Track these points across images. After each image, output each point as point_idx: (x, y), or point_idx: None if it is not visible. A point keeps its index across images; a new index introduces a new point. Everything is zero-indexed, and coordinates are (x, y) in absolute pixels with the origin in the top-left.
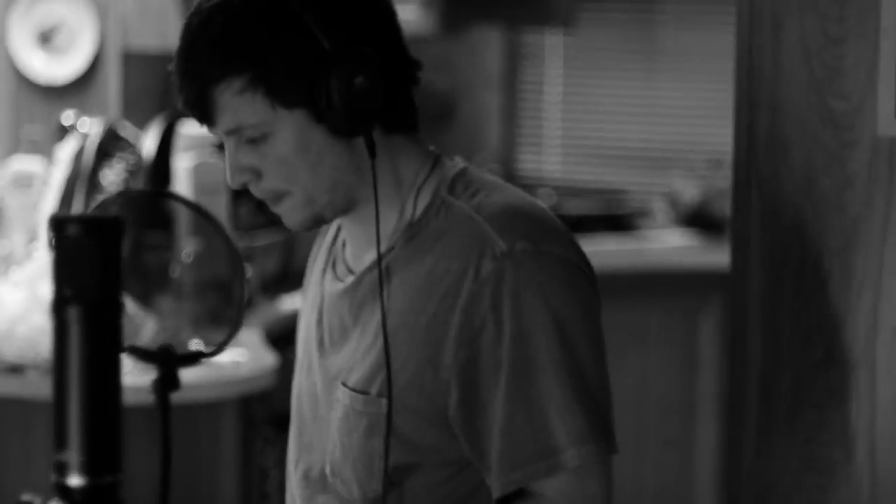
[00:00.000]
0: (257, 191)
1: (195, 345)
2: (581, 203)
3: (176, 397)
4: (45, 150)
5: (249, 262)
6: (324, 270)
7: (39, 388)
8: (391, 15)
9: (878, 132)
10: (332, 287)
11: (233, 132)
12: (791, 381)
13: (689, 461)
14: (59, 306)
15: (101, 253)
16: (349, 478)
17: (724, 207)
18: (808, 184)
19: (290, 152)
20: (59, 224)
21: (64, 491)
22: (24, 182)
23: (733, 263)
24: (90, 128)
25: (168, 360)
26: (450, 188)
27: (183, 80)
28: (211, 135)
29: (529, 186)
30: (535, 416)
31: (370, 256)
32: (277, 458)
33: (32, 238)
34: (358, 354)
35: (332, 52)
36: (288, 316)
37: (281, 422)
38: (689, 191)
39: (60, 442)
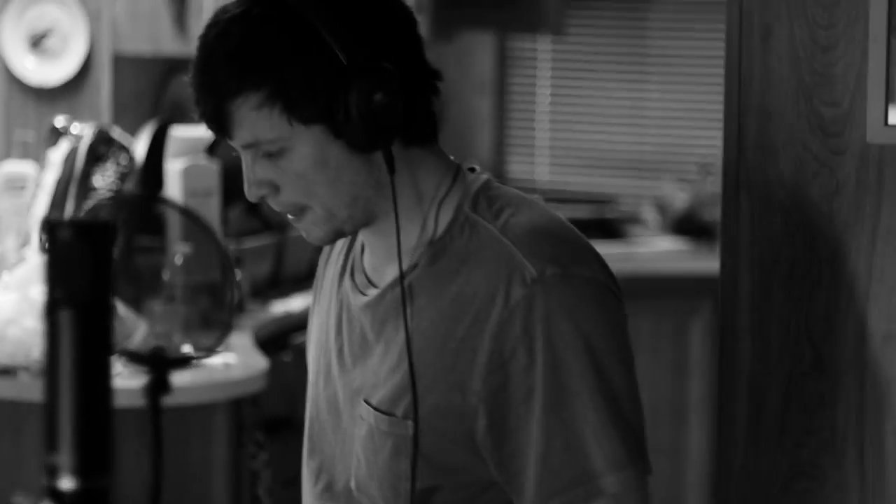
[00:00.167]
0: (276, 204)
1: (186, 348)
2: (571, 208)
3: (167, 400)
4: (37, 153)
5: (240, 266)
6: (340, 275)
7: (30, 390)
8: (411, 25)
9: (867, 139)
10: (354, 299)
11: (250, 146)
12: (780, 387)
13: (678, 466)
14: (51, 309)
15: (92, 256)
16: (375, 495)
17: (714, 213)
18: (798, 190)
19: (308, 167)
20: (51, 227)
21: (55, 494)
22: (15, 185)
23: (723, 269)
24: (82, 131)
25: (160, 364)
26: (473, 204)
27: (200, 93)
28: (204, 138)
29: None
30: (572, 442)
31: (392, 271)
32: (267, 460)
33: (24, 241)
34: (382, 372)
35: (350, 68)
36: (279, 319)
37: (271, 425)
38: (679, 197)
39: (51, 444)
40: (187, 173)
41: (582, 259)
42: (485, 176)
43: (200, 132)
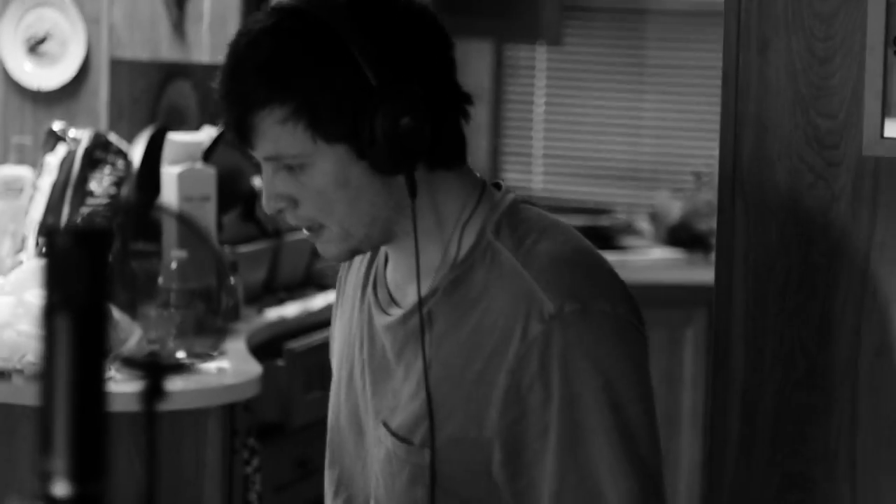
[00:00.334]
0: (293, 219)
1: (181, 354)
2: (566, 218)
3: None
4: (33, 157)
5: (235, 272)
6: (363, 285)
7: (24, 394)
8: (446, 48)
9: (863, 151)
10: (377, 317)
11: (271, 159)
12: (773, 398)
13: (671, 476)
14: (48, 313)
15: (90, 263)
16: None
17: (708, 223)
18: (793, 201)
19: (328, 185)
20: (49, 233)
21: (49, 499)
22: (12, 189)
23: (717, 279)
24: (79, 136)
25: (154, 371)
26: (496, 229)
27: (225, 102)
28: (200, 144)
29: None
30: (586, 479)
31: (414, 291)
32: (259, 466)
33: (20, 245)
34: (401, 397)
35: (379, 89)
36: (273, 325)
37: (264, 431)
38: (674, 207)
39: (46, 449)
40: (183, 178)
41: (603, 292)
42: (511, 196)
43: (197, 138)
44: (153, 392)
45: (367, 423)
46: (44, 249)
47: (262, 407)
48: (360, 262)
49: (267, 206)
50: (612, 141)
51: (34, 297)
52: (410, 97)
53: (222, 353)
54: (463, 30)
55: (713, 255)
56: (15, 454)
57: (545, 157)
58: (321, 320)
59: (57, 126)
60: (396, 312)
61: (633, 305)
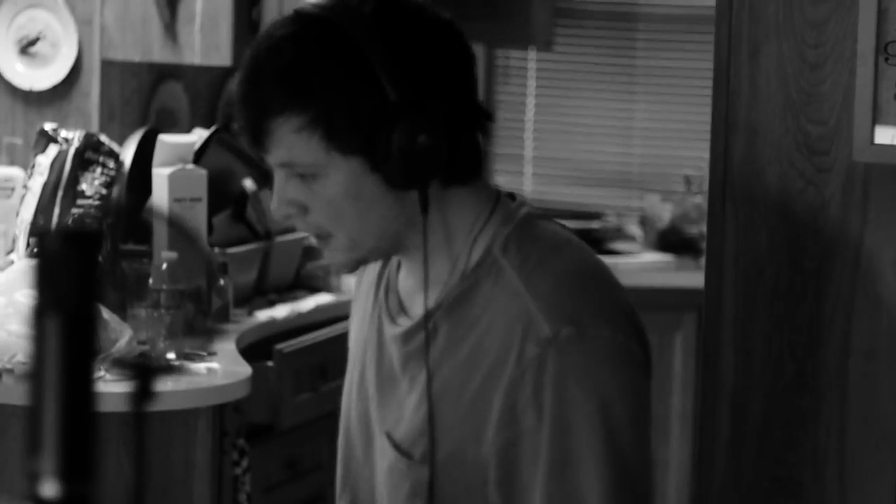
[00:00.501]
0: (302, 225)
1: (170, 354)
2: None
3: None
4: (24, 157)
5: (225, 273)
6: (377, 287)
7: (14, 393)
8: (469, 65)
9: (853, 157)
10: (386, 326)
11: (284, 166)
12: (762, 402)
13: (661, 480)
14: (38, 315)
15: (79, 265)
16: None
17: (699, 227)
18: (783, 207)
19: (340, 196)
20: (40, 234)
21: (37, 500)
22: (3, 189)
23: (707, 283)
24: (70, 136)
25: (144, 372)
26: (504, 246)
27: (242, 105)
28: (191, 146)
29: None
30: None
31: (422, 302)
32: (248, 467)
33: (11, 245)
34: (405, 409)
35: (397, 105)
36: (263, 326)
37: (254, 432)
38: (664, 211)
39: (35, 449)
40: (174, 180)
41: (603, 317)
42: (525, 209)
43: (188, 139)
44: (142, 393)
45: (375, 430)
46: (35, 250)
47: (251, 408)
48: (376, 269)
49: (276, 211)
50: (603, 145)
51: (24, 297)
52: (429, 114)
53: (212, 355)
54: None
55: (703, 259)
56: (5, 453)
57: (536, 160)
58: (311, 322)
59: (48, 127)
60: (405, 323)
61: (635, 331)
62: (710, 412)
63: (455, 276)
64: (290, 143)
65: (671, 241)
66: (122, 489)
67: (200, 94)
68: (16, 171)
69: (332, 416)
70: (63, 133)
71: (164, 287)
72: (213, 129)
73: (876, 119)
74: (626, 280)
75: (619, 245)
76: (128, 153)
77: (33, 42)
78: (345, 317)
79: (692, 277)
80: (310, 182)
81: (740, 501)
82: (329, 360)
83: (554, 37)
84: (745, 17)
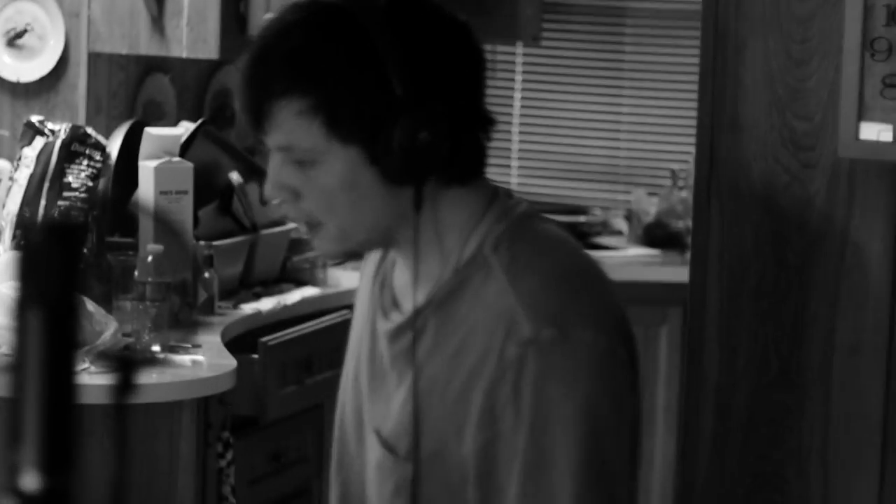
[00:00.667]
0: (293, 212)
1: (155, 347)
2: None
3: (135, 397)
4: (11, 149)
5: (211, 266)
6: (374, 278)
7: None
8: (478, 67)
9: (838, 153)
10: (379, 321)
11: (282, 149)
12: (746, 398)
13: (645, 475)
14: (21, 307)
15: (61, 257)
16: None
17: (685, 222)
18: (768, 202)
19: (335, 185)
20: (24, 227)
21: (17, 492)
22: None
23: (692, 279)
24: (57, 128)
25: (125, 365)
26: (495, 244)
27: (246, 84)
28: (178, 138)
29: None
30: None
31: (418, 295)
32: (233, 460)
33: None
34: (392, 405)
35: (402, 100)
36: (248, 319)
37: (238, 424)
38: (651, 206)
39: (15, 440)
40: (160, 173)
41: (587, 319)
42: (521, 208)
43: (174, 132)
44: (124, 386)
45: (366, 425)
46: (20, 243)
47: (236, 400)
48: (375, 261)
49: (268, 193)
50: (590, 139)
51: (9, 289)
52: (432, 112)
53: (197, 347)
54: None
55: (689, 254)
56: None
57: (522, 155)
58: (296, 315)
59: (35, 119)
60: (396, 318)
61: (621, 335)
62: (693, 408)
63: (446, 273)
64: (290, 127)
65: (657, 235)
66: (105, 481)
67: (187, 87)
68: (2, 163)
69: (318, 409)
70: (50, 125)
71: (150, 279)
72: (199, 122)
73: (861, 115)
74: (612, 274)
75: (605, 239)
76: (114, 146)
77: (20, 34)
78: (330, 310)
79: (678, 272)
80: (306, 168)
81: (724, 497)
82: (314, 353)
83: (541, 32)
84: (731, 13)
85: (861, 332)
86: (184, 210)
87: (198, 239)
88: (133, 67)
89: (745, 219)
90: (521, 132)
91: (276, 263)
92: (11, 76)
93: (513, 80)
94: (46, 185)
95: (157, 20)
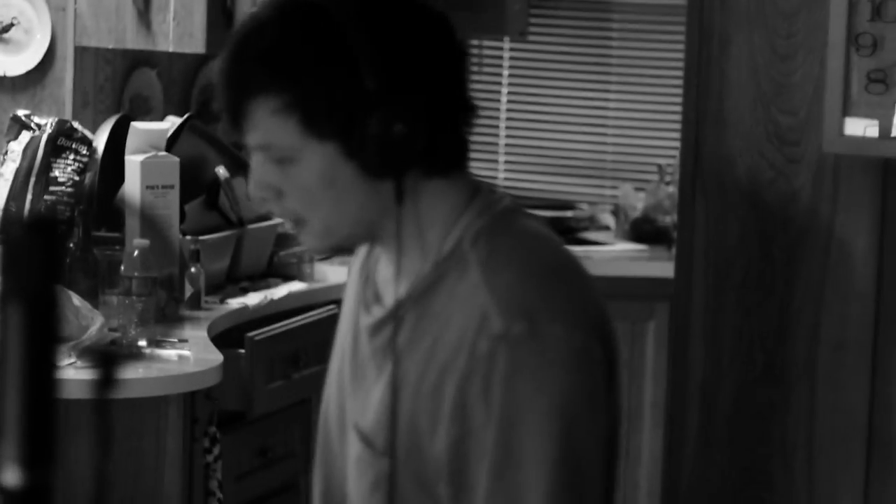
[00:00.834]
0: (278, 210)
1: (141, 342)
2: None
3: (121, 392)
4: None
5: (198, 260)
6: (360, 275)
7: None
8: (456, 59)
9: (823, 148)
10: (361, 316)
11: (261, 148)
12: (732, 393)
13: (633, 469)
14: (2, 301)
15: (41, 252)
16: None
17: (672, 217)
18: (754, 197)
19: (315, 182)
20: (6, 221)
21: None
22: None
23: (677, 274)
24: (43, 122)
25: (107, 360)
26: (474, 239)
27: (222, 84)
28: (164, 133)
29: None
30: None
31: (399, 290)
32: (219, 455)
33: None
34: (371, 400)
35: (375, 95)
36: (235, 314)
37: (225, 419)
38: (638, 201)
39: None
40: (147, 167)
41: (560, 315)
42: (504, 203)
43: (161, 126)
44: (105, 381)
45: (348, 420)
46: (1, 238)
47: (223, 395)
48: (363, 256)
49: (251, 192)
50: (577, 134)
51: None
52: (407, 104)
53: (183, 342)
54: None
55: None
56: None
57: (509, 150)
58: (284, 310)
59: (21, 113)
60: (377, 313)
61: (599, 333)
62: (679, 403)
63: (426, 268)
64: (267, 126)
65: (644, 230)
66: (90, 476)
67: (174, 82)
68: None
69: (305, 403)
70: (36, 119)
71: (136, 274)
72: (186, 116)
73: (846, 110)
74: (599, 269)
75: (592, 234)
76: (101, 140)
77: (7, 28)
78: (318, 305)
79: (665, 267)
80: (286, 166)
81: (710, 491)
82: (301, 347)
83: (528, 26)
84: (716, 8)
85: (846, 328)
86: (170, 204)
87: (184, 233)
88: (120, 62)
89: (730, 214)
90: (507, 127)
91: (262, 258)
92: None
93: (500, 74)
94: (33, 179)
95: (144, 14)
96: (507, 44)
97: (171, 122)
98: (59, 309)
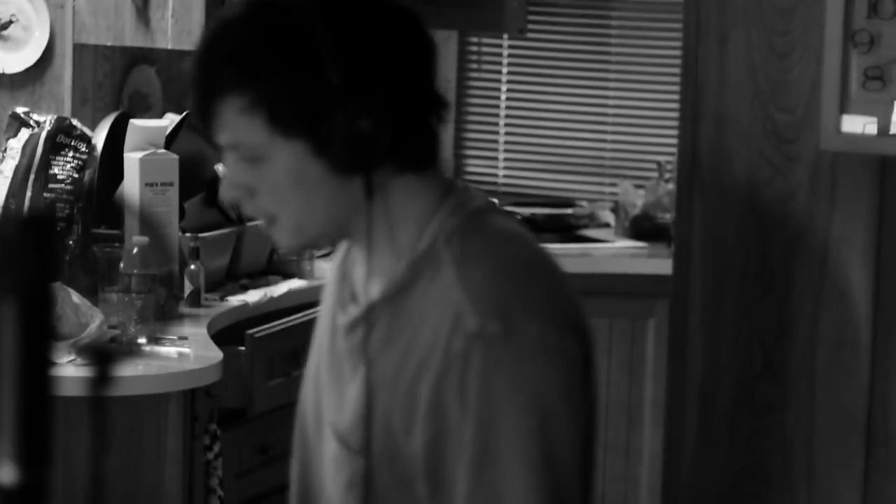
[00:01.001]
0: (251, 208)
1: (141, 339)
2: (530, 210)
3: (121, 389)
4: None
5: (197, 258)
6: (338, 272)
7: None
8: (424, 52)
9: (820, 146)
10: (337, 316)
11: (231, 147)
12: (730, 391)
13: (633, 467)
14: None
15: (35, 249)
16: None
17: (672, 214)
18: (751, 195)
19: (284, 180)
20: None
21: None
22: None
23: (675, 272)
24: (43, 120)
25: (102, 358)
26: (448, 238)
27: (192, 85)
28: (163, 130)
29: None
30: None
31: (372, 289)
32: (220, 452)
33: None
34: (346, 399)
35: (340, 91)
36: (235, 311)
37: (225, 417)
38: (638, 199)
39: None
40: (146, 164)
41: (536, 312)
42: (477, 202)
43: (160, 123)
44: (101, 379)
45: (324, 420)
46: None
47: (223, 393)
48: (342, 255)
49: (223, 192)
50: (576, 131)
51: None
52: (372, 99)
53: (183, 339)
54: (428, 20)
55: None
56: None
57: (509, 147)
58: (283, 307)
59: (20, 110)
60: (352, 312)
61: (573, 330)
62: (678, 401)
63: (400, 267)
64: (235, 125)
65: (644, 227)
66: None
67: (173, 79)
68: None
69: None
70: (35, 116)
71: (136, 271)
72: (185, 113)
73: (843, 108)
74: (599, 267)
75: (592, 232)
76: (100, 137)
77: (5, 25)
78: (317, 302)
79: (665, 264)
80: (256, 165)
81: (709, 489)
82: (301, 345)
83: (527, 24)
84: (713, 5)
85: (845, 326)
86: (169, 202)
87: (184, 231)
88: (118, 59)
89: (728, 211)
90: (507, 124)
91: (262, 255)
92: None
93: (499, 72)
94: (32, 176)
95: (143, 11)
96: (506, 41)
97: (170, 120)
98: (54, 306)
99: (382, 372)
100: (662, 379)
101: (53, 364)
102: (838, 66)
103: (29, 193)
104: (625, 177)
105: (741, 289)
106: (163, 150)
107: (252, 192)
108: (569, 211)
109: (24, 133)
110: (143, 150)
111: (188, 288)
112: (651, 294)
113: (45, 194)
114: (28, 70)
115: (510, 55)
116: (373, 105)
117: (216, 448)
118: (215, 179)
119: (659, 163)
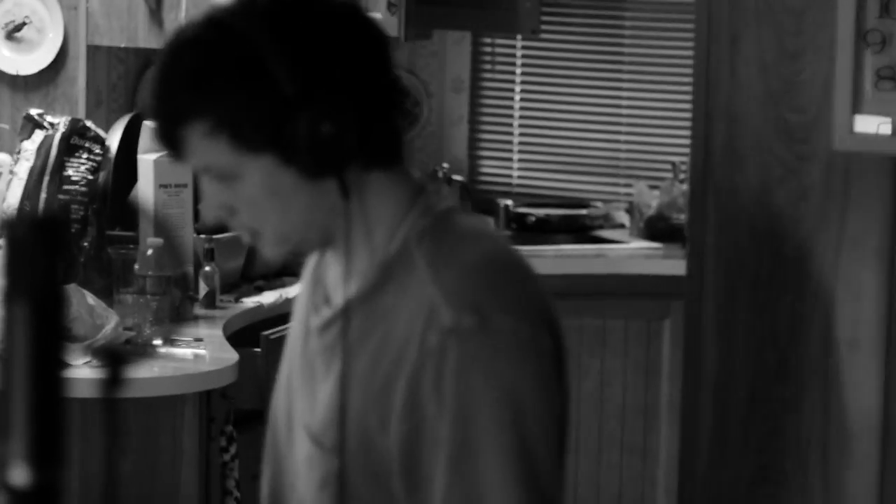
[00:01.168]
0: (234, 225)
1: (156, 340)
2: (543, 209)
3: (137, 391)
4: (11, 143)
5: (212, 259)
6: (311, 279)
7: None
8: (374, 47)
9: (833, 146)
10: (310, 318)
11: (202, 171)
12: (745, 391)
13: (649, 467)
14: (8, 300)
15: (46, 251)
16: None
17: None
18: (764, 195)
19: (260, 195)
20: (10, 222)
21: (6, 485)
22: None
23: (689, 272)
24: (57, 121)
25: (115, 360)
26: (420, 238)
27: (153, 115)
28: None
29: (493, 193)
30: (472, 498)
31: (348, 289)
32: (236, 453)
33: None
34: (320, 399)
35: (296, 99)
36: (249, 312)
37: (241, 418)
38: (652, 199)
39: (4, 434)
40: (159, 166)
41: (509, 307)
42: (448, 203)
43: None
44: (113, 380)
45: (296, 421)
46: (4, 237)
47: (239, 394)
48: (316, 260)
49: (204, 214)
50: (591, 132)
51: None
52: (330, 102)
53: (199, 341)
54: (441, 21)
55: None
56: None
57: (523, 148)
58: None
59: (34, 112)
60: (325, 313)
61: (546, 324)
62: (693, 402)
63: (373, 268)
64: (202, 150)
65: (659, 228)
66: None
67: None
68: (2, 157)
69: None
70: (49, 118)
71: (151, 273)
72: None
73: (856, 108)
74: (614, 268)
75: (606, 232)
76: (114, 139)
77: (19, 27)
78: None
79: (680, 265)
80: (230, 184)
81: (724, 489)
82: None
83: (540, 24)
84: (724, 5)
85: (858, 326)
86: (184, 203)
87: (198, 232)
88: (132, 60)
89: (741, 212)
90: (521, 125)
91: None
92: (10, 69)
93: (513, 73)
94: (46, 178)
95: (156, 13)
96: (519, 42)
97: None
98: (65, 307)
99: (356, 369)
100: (678, 380)
101: (66, 365)
102: (850, 66)
103: (43, 195)
104: (639, 177)
105: (755, 289)
106: None
107: (232, 210)
108: (583, 212)
109: (39, 135)
110: (158, 151)
111: (203, 289)
112: (666, 295)
113: (60, 196)
114: (42, 72)
115: (524, 56)
116: (332, 106)
117: (232, 450)
118: None
119: (673, 163)
